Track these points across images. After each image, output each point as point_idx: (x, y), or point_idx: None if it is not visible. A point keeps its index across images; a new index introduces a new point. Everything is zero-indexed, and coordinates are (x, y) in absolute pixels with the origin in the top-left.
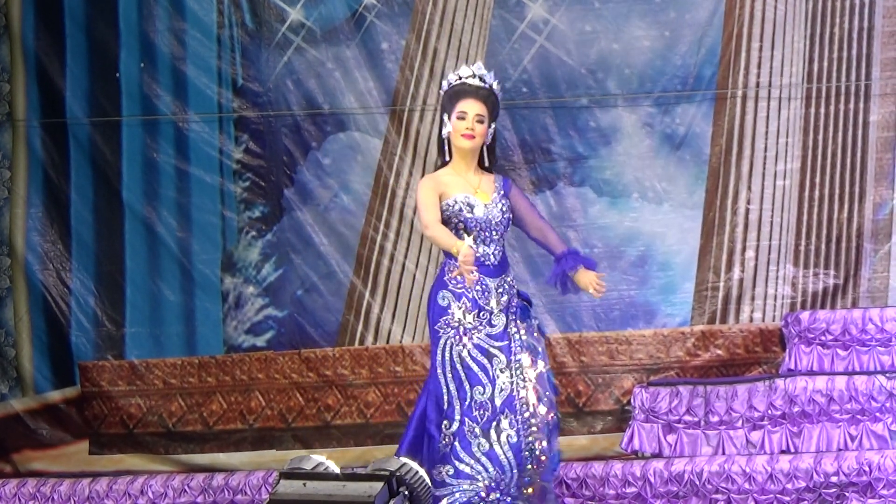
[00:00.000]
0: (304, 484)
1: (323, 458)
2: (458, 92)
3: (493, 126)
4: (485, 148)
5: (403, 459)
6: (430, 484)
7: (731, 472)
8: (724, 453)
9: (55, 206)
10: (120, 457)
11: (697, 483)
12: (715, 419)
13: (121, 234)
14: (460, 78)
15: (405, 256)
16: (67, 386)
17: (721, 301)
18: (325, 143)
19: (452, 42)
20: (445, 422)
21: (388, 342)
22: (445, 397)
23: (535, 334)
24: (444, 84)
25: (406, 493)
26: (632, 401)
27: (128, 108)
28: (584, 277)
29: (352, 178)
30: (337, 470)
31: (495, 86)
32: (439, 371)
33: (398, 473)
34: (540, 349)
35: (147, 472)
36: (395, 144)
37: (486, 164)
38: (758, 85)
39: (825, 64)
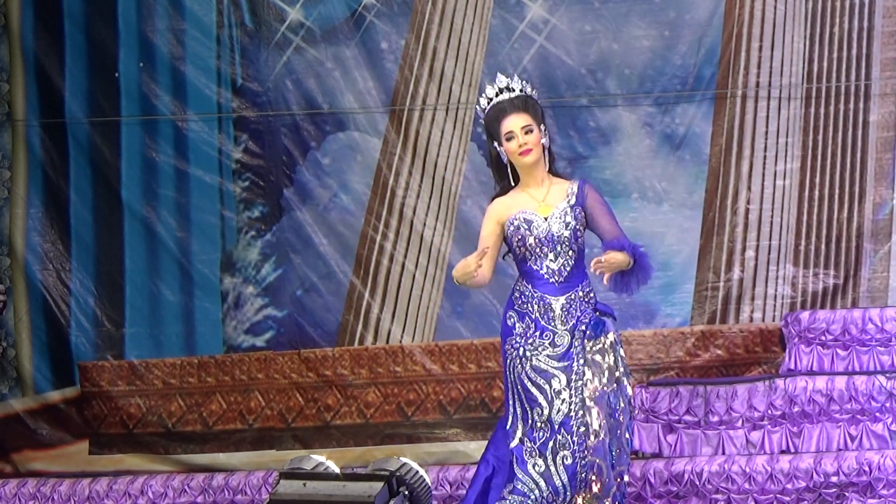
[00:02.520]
0: (304, 484)
1: (323, 458)
2: (497, 114)
3: (543, 128)
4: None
5: (403, 459)
6: (429, 484)
7: (731, 472)
8: (724, 453)
9: (55, 206)
10: (120, 457)
11: (697, 483)
12: (715, 419)
13: (120, 234)
14: (491, 100)
15: (405, 256)
16: (67, 386)
17: (721, 301)
18: (324, 142)
19: (452, 42)
20: (509, 439)
21: (387, 342)
22: (510, 417)
23: (606, 353)
24: (478, 109)
25: (406, 493)
26: (632, 401)
27: (127, 108)
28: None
29: (351, 178)
30: (337, 470)
31: (527, 89)
32: (508, 389)
33: (398, 473)
34: (606, 367)
35: (147, 472)
36: (394, 144)
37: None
38: (758, 85)
39: (825, 64)
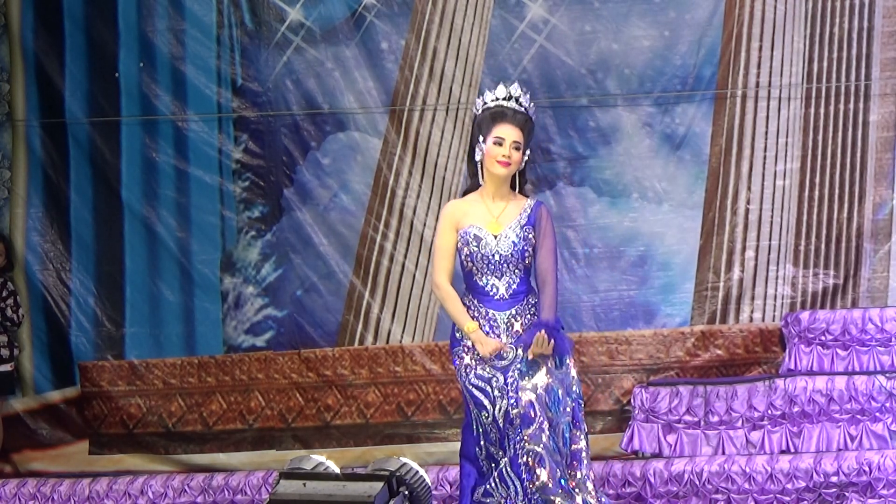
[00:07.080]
0: (304, 484)
1: (323, 458)
2: (496, 115)
3: (527, 152)
4: (517, 172)
5: (403, 459)
6: (429, 484)
7: (731, 472)
8: (724, 453)
9: (55, 206)
10: (120, 457)
11: (697, 483)
12: (715, 419)
13: (120, 234)
14: (496, 99)
15: (405, 256)
16: (67, 386)
17: (721, 301)
18: (324, 142)
19: (452, 42)
20: (476, 448)
21: (387, 342)
22: (474, 423)
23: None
24: (479, 103)
25: (406, 493)
26: (632, 401)
27: (127, 108)
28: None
29: (351, 178)
30: (337, 470)
31: (531, 108)
32: (464, 397)
33: (398, 473)
34: (541, 363)
35: (147, 472)
36: (394, 144)
37: (517, 188)
38: (758, 85)
39: (825, 64)
